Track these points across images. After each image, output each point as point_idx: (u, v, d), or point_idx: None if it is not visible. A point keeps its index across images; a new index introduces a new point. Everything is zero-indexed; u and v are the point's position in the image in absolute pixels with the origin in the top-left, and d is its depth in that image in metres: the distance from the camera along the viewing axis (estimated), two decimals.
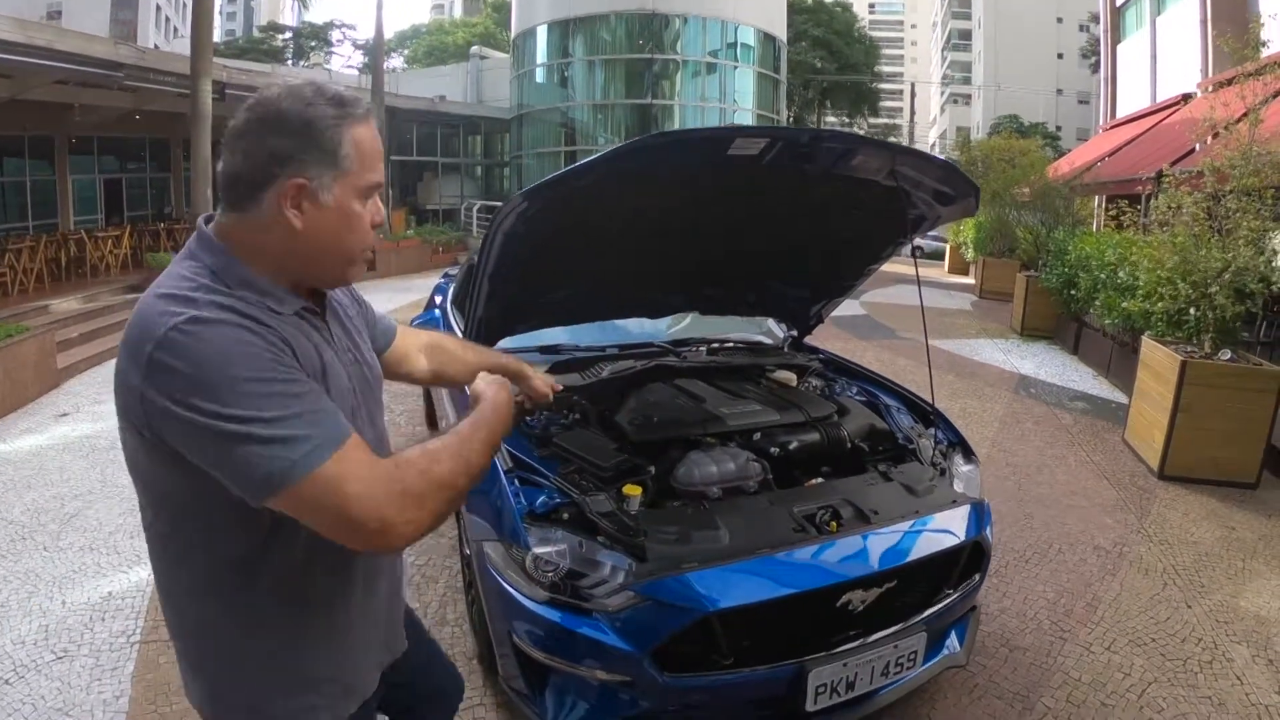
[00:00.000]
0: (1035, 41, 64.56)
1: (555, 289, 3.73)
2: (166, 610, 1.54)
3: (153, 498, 1.43)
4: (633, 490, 2.92)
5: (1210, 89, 16.42)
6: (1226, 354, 6.55)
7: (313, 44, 53.39)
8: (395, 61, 62.70)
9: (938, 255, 24.58)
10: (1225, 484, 6.40)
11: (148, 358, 1.23)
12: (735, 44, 32.13)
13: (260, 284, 1.39)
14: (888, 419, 3.81)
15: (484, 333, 3.41)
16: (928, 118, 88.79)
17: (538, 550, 2.73)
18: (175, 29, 52.78)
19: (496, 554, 2.87)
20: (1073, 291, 10.97)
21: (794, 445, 3.38)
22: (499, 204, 5.44)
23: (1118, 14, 24.61)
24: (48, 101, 15.92)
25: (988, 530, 3.27)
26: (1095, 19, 43.59)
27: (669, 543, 2.72)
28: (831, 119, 51.24)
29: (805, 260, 4.10)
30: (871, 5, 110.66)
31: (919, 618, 2.96)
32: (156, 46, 36.57)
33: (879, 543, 2.88)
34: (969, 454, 3.66)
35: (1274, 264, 6.48)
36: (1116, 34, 24.87)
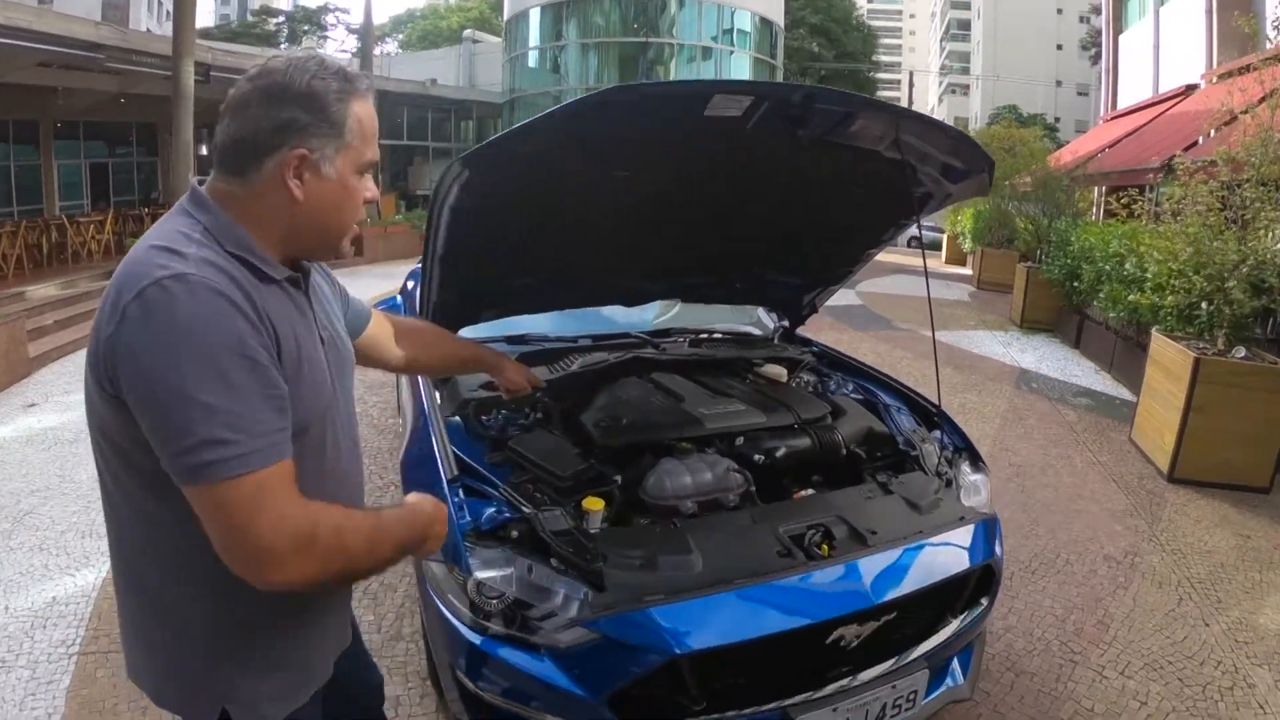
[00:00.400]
0: (1035, 32, 64.25)
1: (519, 274, 3.35)
2: (123, 581, 1.51)
3: (108, 456, 1.40)
4: (594, 504, 2.54)
5: (1215, 79, 16.23)
6: (1241, 351, 6.22)
7: (305, 28, 52.68)
8: (389, 46, 62.42)
9: (935, 245, 24.21)
10: (1238, 488, 6.10)
11: (124, 308, 1.23)
12: (732, 29, 31.81)
13: (252, 246, 1.38)
14: (887, 421, 3.44)
15: (441, 321, 3.03)
16: (925, 107, 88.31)
17: (480, 575, 2.36)
18: (167, 13, 52.08)
19: (438, 574, 2.50)
20: (1075, 283, 10.71)
21: (781, 452, 3.01)
22: None
23: (1120, 3, 24.17)
24: (31, 85, 15.82)
25: (998, 550, 2.91)
26: (1096, 10, 43.42)
27: (632, 569, 2.35)
28: None
29: (797, 243, 3.71)
30: None
31: (920, 652, 2.60)
32: (149, 30, 35.94)
33: (877, 569, 2.51)
34: (977, 461, 3.29)
35: None
36: (1118, 24, 24.43)
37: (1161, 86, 20.26)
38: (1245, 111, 6.98)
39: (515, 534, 2.44)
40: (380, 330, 2.08)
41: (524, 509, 2.49)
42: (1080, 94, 60.58)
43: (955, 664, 2.81)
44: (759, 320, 4.80)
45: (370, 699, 2.08)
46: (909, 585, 2.52)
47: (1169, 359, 6.49)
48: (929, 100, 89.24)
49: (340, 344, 1.66)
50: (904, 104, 57.45)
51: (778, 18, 33.62)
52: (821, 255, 3.85)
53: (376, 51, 25.31)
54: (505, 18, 34.07)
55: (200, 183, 1.44)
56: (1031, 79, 61.84)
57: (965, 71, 73.81)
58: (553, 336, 4.07)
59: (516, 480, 2.68)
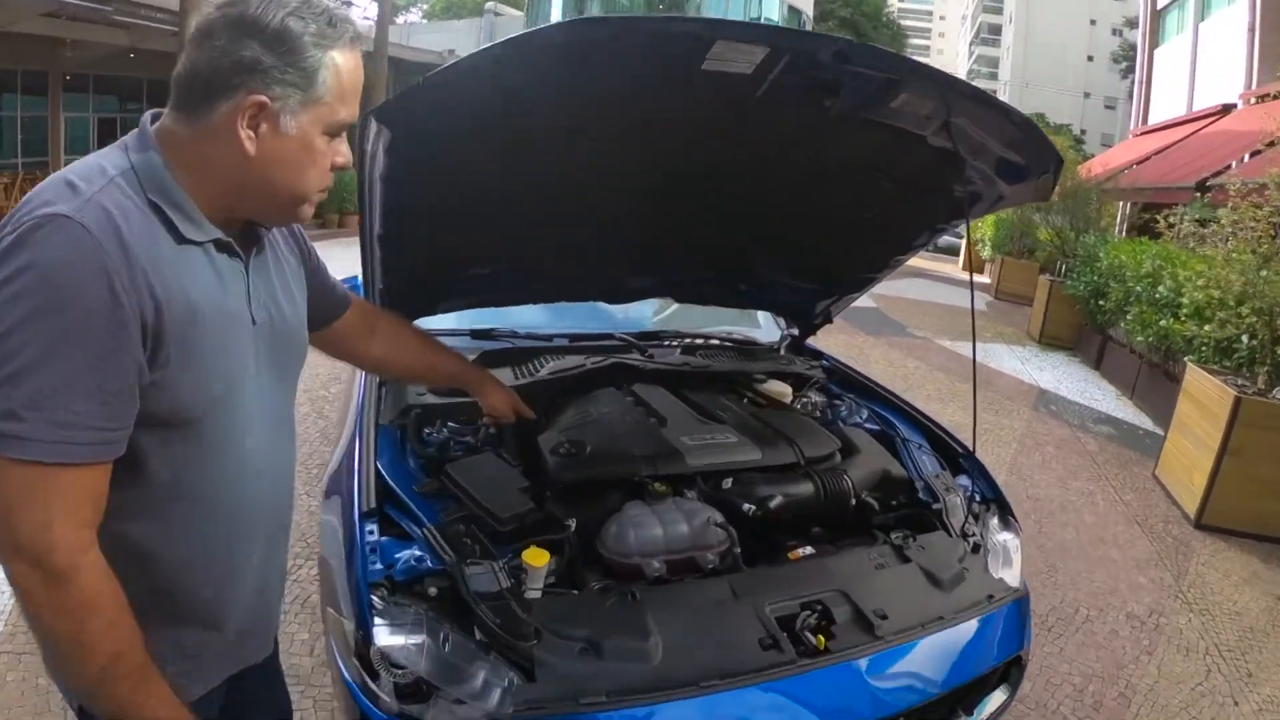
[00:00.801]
0: (1066, 42, 63.21)
1: (479, 260, 2.84)
2: None
3: None
4: (536, 558, 2.01)
5: (1254, 100, 15.72)
6: None
7: None
8: (413, 16, 61.78)
9: (951, 250, 23.72)
10: (1268, 540, 5.61)
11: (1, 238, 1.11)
12: (759, 17, 31.17)
13: (177, 198, 1.23)
14: (905, 460, 2.92)
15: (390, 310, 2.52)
16: None
17: (384, 642, 1.84)
18: None
19: (338, 630, 2.00)
20: (1101, 302, 10.21)
21: (777, 501, 2.47)
22: None
23: (1158, 16, 23.60)
24: (39, 36, 15.78)
25: (1028, 634, 2.40)
26: (1130, 24, 42.84)
27: (572, 656, 1.84)
28: None
29: (814, 242, 3.16)
30: None
31: None
32: None
33: (885, 672, 2.00)
34: (1008, 517, 2.78)
35: None
36: (1155, 37, 23.89)
37: (1196, 104, 19.84)
38: None
39: (434, 591, 1.95)
40: (358, 321, 1.89)
41: (447, 559, 1.97)
42: (1108, 107, 59.80)
43: None
44: (764, 326, 4.24)
45: None
46: (922, 693, 2.02)
47: (1205, 394, 5.98)
48: None
49: (284, 328, 1.45)
50: None
51: (807, 8, 33.00)
52: (841, 258, 3.29)
53: (400, 20, 24.60)
54: None
55: (155, 117, 1.30)
56: (1060, 88, 61.06)
57: (993, 77, 72.75)
58: (523, 333, 3.55)
59: (447, 518, 2.17)
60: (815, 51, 1.91)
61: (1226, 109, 17.35)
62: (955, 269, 22.31)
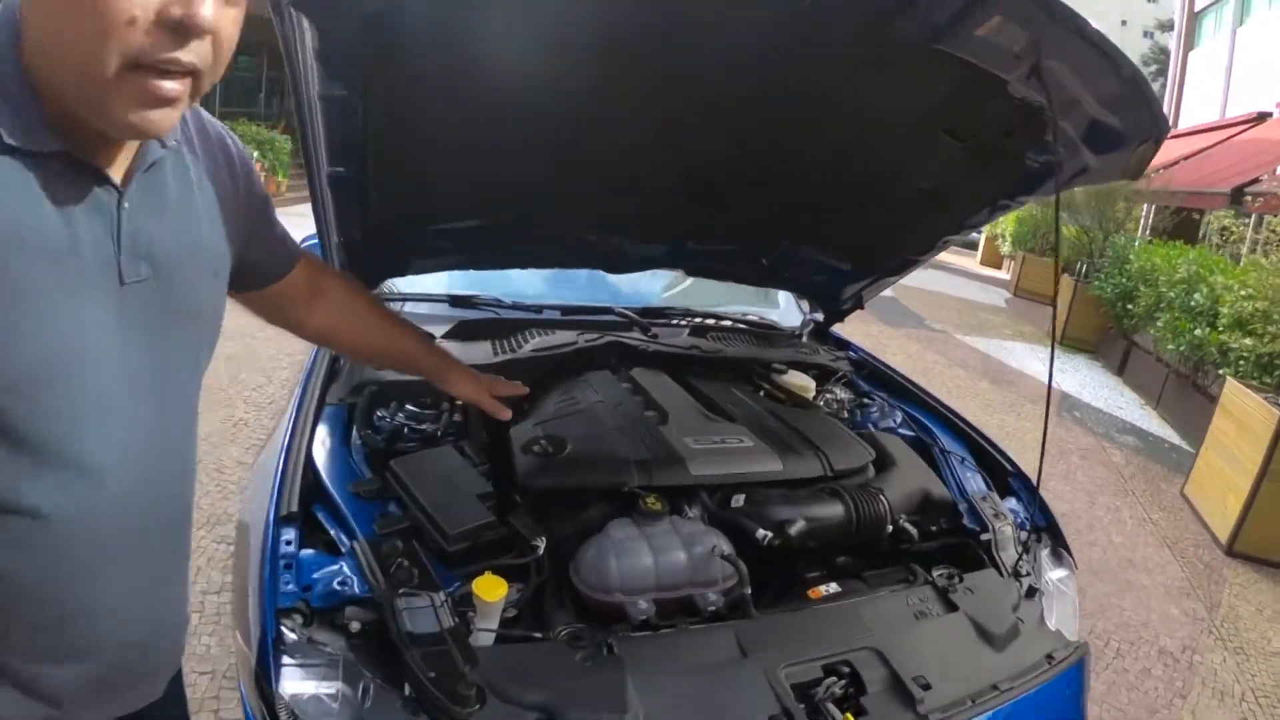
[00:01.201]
0: None
1: (460, 212, 2.39)
2: None
3: None
4: (490, 590, 1.56)
5: None
6: None
7: None
8: None
9: (970, 245, 23.24)
10: None
11: None
12: None
13: (9, 89, 0.89)
14: (947, 477, 2.47)
15: (354, 270, 2.16)
16: None
17: (289, 690, 1.43)
18: None
19: (244, 665, 1.60)
20: (1129, 305, 9.86)
21: (799, 527, 2.00)
22: None
23: (1194, 19, 23.01)
24: None
25: (1084, 701, 1.99)
26: (1162, 27, 42.10)
27: None
28: None
29: (855, 213, 2.68)
30: None
31: None
32: None
33: None
34: (1061, 550, 2.36)
35: None
36: (1190, 40, 23.33)
37: (1230, 110, 19.40)
38: None
39: (356, 626, 1.53)
40: (302, 282, 1.52)
41: (376, 585, 1.54)
42: None
43: None
44: (784, 309, 3.76)
45: None
46: None
47: (1245, 412, 5.57)
48: None
49: (178, 292, 1.10)
50: None
51: None
52: (884, 234, 2.80)
53: None
54: None
55: None
56: None
57: None
58: (509, 302, 3.10)
59: (384, 529, 1.75)
60: None
61: (1261, 116, 16.86)
62: (974, 263, 21.88)
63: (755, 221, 2.71)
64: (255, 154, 14.76)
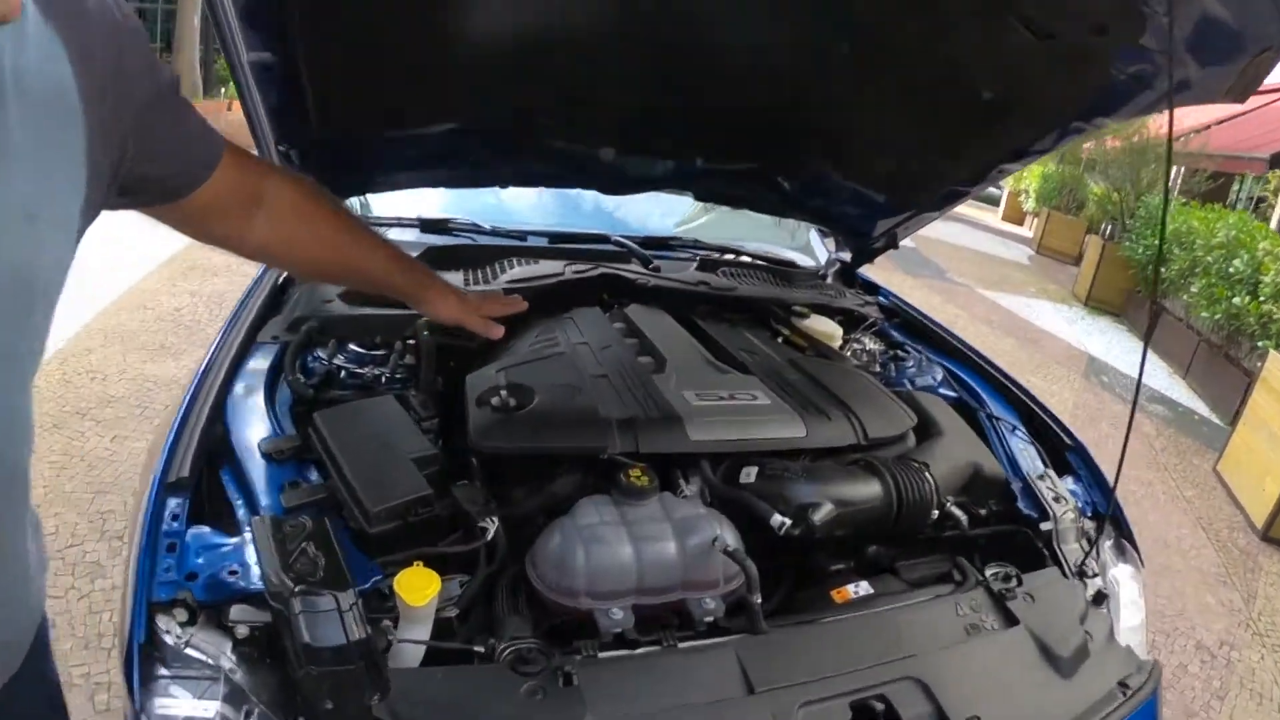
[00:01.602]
0: None
1: (423, 114, 2.00)
2: None
3: None
4: (416, 588, 1.16)
5: None
6: None
7: None
8: None
9: (991, 200, 22.62)
10: None
11: None
12: None
13: None
14: (997, 449, 2.06)
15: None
16: None
17: (157, 709, 1.12)
18: None
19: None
20: (1161, 269, 9.30)
21: (825, 512, 1.56)
22: None
23: None
24: None
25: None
26: None
27: None
28: None
29: (900, 128, 2.24)
30: None
31: None
32: None
33: None
34: (1124, 541, 1.96)
35: None
36: None
37: (1271, 76, 18.67)
38: None
39: (244, 631, 1.20)
40: (233, 186, 1.17)
41: (277, 579, 1.16)
42: None
43: None
44: (808, 245, 3.32)
45: None
46: None
47: None
48: None
49: None
50: None
51: None
52: (929, 155, 2.35)
53: None
54: None
55: None
56: None
57: None
58: (488, 227, 2.69)
59: (292, 502, 1.39)
60: None
61: None
62: (994, 218, 21.34)
63: (778, 134, 2.27)
64: None
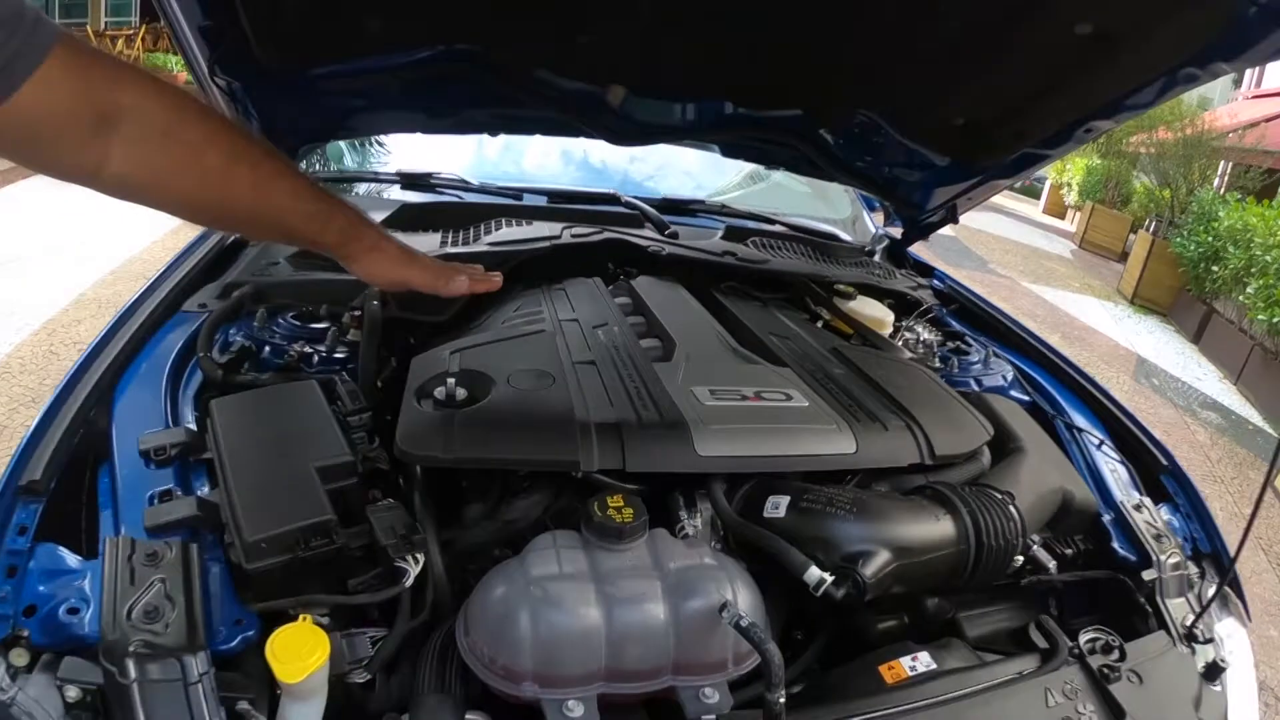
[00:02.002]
0: None
1: (395, 39, 1.67)
2: None
3: None
4: (294, 656, 0.83)
5: None
6: None
7: None
8: None
9: (1032, 193, 22.06)
10: None
11: None
12: None
13: None
14: (1081, 470, 1.66)
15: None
16: None
17: None
18: None
19: None
20: (1214, 268, 8.87)
21: (880, 564, 1.13)
22: None
23: None
24: None
25: None
26: None
27: None
28: None
29: (968, 68, 1.80)
30: None
31: None
32: None
33: None
34: (1227, 589, 1.54)
35: None
36: None
37: None
38: None
39: (74, 695, 0.89)
40: (75, 97, 0.86)
41: (114, 628, 0.88)
42: None
43: None
44: (850, 216, 2.91)
45: None
46: None
47: None
48: None
49: None
50: None
51: None
52: (1006, 105, 1.91)
53: None
54: None
55: None
56: None
57: None
58: (477, 183, 2.36)
59: (156, 522, 1.07)
60: None
61: None
62: (1034, 211, 20.84)
63: (824, 73, 1.86)
64: None
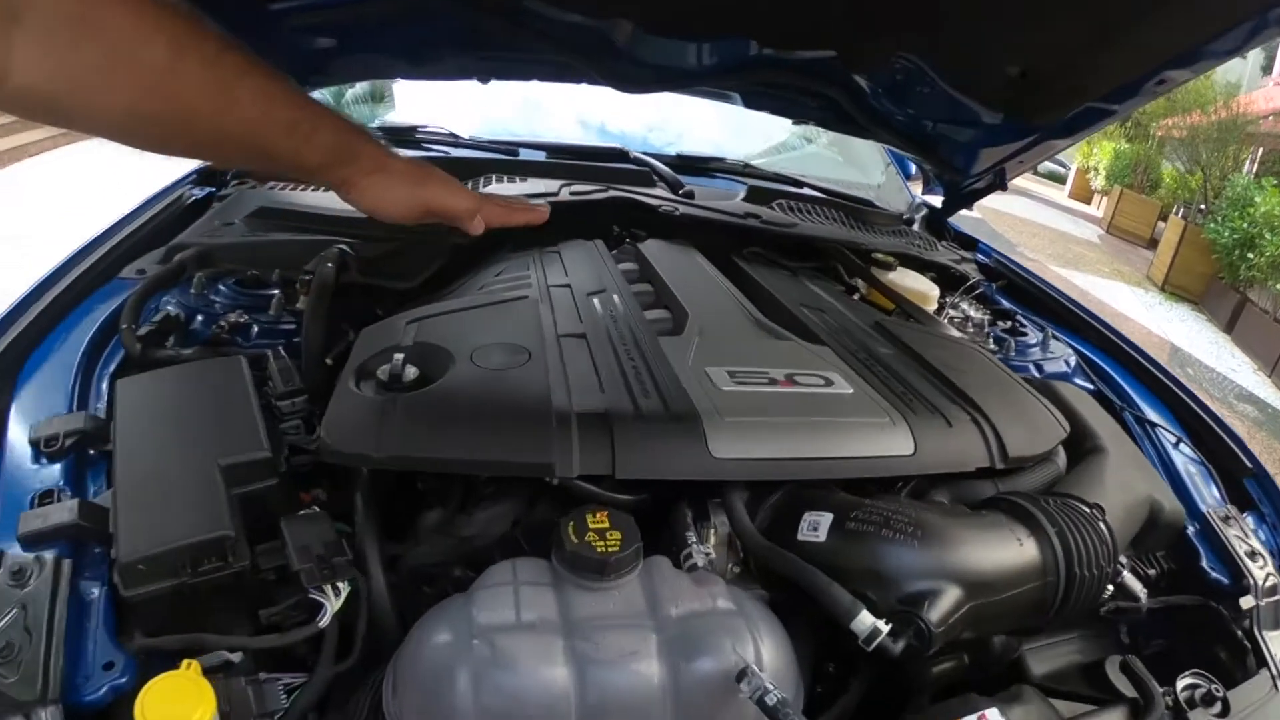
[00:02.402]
0: None
1: None
2: None
3: None
4: (172, 714, 0.61)
5: None
6: None
7: None
8: None
9: (1057, 177, 21.68)
10: None
11: None
12: None
13: None
14: (1156, 466, 1.42)
15: None
16: None
17: None
18: None
19: None
20: (1249, 255, 8.64)
21: (945, 609, 0.86)
22: None
23: None
24: None
25: None
26: None
27: None
28: None
29: (1033, 12, 1.53)
30: None
31: None
32: None
33: None
34: None
35: None
36: None
37: None
38: None
39: None
40: None
41: None
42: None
43: None
44: (889, 184, 2.64)
45: None
46: None
47: None
48: None
49: None
50: None
51: None
52: (1069, 47, 1.62)
53: None
54: None
55: None
56: None
57: None
58: (468, 137, 2.15)
59: (30, 531, 0.84)
60: None
61: None
62: (1060, 196, 20.47)
63: (862, 10, 1.60)
64: None
